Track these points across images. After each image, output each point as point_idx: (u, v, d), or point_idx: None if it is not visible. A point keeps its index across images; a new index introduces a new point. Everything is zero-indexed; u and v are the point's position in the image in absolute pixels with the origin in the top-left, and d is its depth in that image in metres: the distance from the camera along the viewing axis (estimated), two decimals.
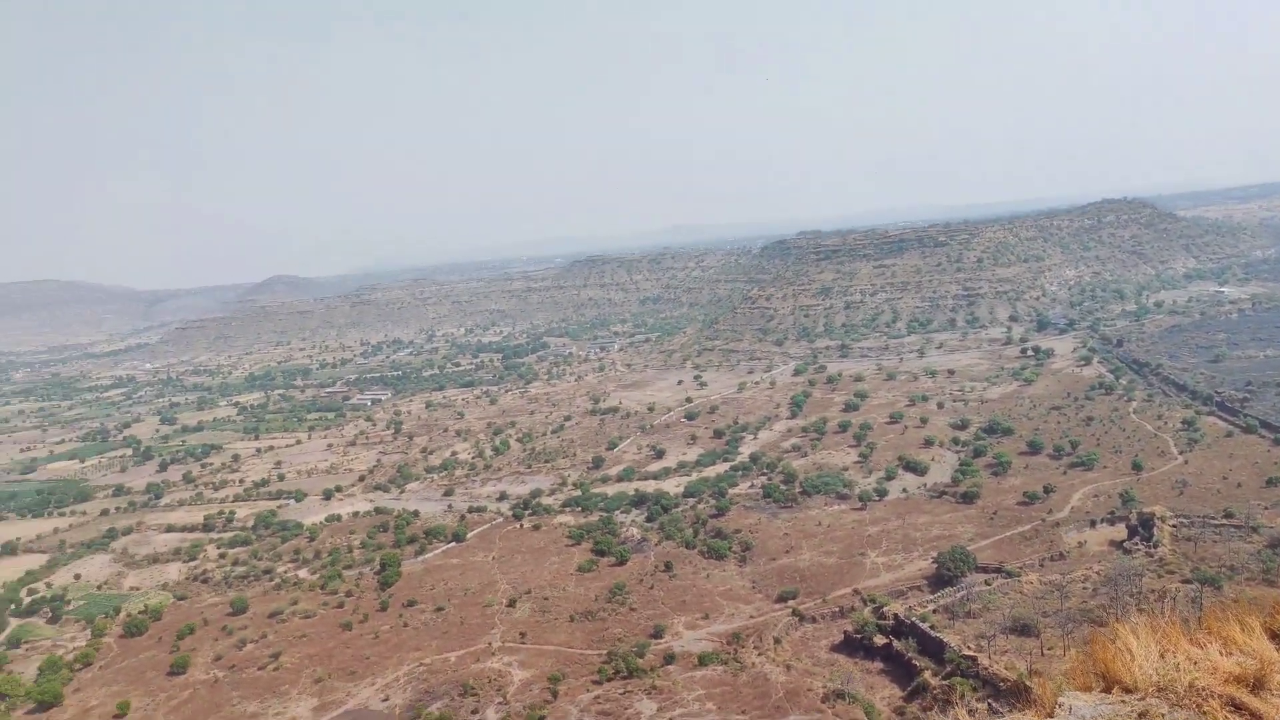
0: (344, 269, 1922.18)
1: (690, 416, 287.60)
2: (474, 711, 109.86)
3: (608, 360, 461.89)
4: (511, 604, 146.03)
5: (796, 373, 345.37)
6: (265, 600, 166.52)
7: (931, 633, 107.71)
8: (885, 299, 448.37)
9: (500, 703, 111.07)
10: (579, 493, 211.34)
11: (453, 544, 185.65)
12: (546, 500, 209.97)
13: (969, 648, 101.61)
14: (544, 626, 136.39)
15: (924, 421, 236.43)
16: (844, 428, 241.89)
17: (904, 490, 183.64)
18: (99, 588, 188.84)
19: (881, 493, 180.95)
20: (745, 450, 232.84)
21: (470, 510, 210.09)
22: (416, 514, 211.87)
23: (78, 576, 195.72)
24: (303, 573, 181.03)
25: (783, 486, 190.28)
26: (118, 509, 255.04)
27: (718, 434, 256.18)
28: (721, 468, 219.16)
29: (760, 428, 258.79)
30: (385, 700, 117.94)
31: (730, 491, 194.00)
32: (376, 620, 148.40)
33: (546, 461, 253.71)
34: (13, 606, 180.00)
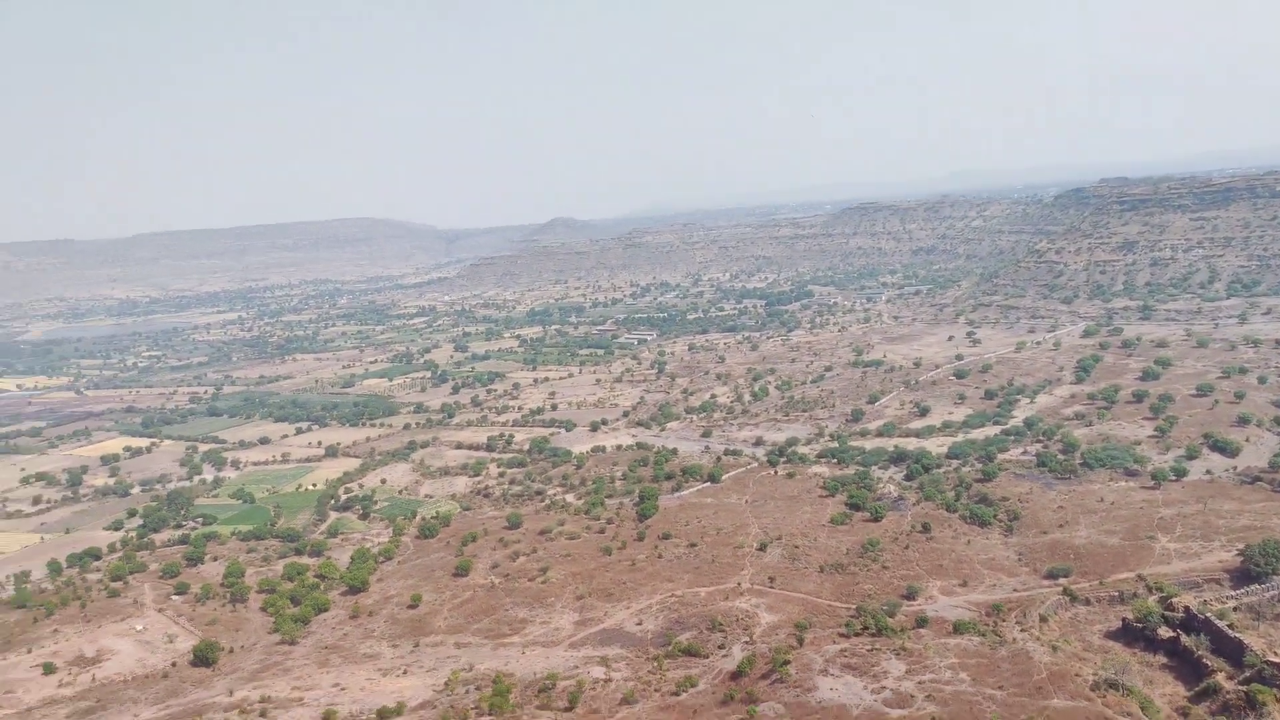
0: (620, 211, 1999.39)
1: (960, 375, 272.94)
2: (720, 646, 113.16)
3: (874, 311, 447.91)
4: (762, 548, 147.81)
5: (1086, 334, 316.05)
6: (536, 519, 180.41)
7: (1230, 631, 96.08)
8: (1201, 256, 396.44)
9: (746, 641, 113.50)
10: (836, 444, 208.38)
11: (708, 484, 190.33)
12: (802, 449, 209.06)
13: (1275, 654, 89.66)
14: (793, 574, 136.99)
15: (1239, 397, 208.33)
16: (1139, 398, 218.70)
17: (1208, 472, 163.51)
18: (400, 492, 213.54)
19: (1180, 472, 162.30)
20: (1019, 414, 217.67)
21: (726, 453, 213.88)
22: (675, 452, 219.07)
23: (384, 481, 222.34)
24: (569, 497, 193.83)
25: (1060, 456, 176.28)
26: (417, 424, 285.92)
27: (989, 395, 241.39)
28: (991, 430, 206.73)
29: (1039, 391, 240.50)
30: (639, 624, 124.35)
31: (999, 456, 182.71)
32: (633, 549, 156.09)
33: (804, 410, 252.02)
34: (333, 501, 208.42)
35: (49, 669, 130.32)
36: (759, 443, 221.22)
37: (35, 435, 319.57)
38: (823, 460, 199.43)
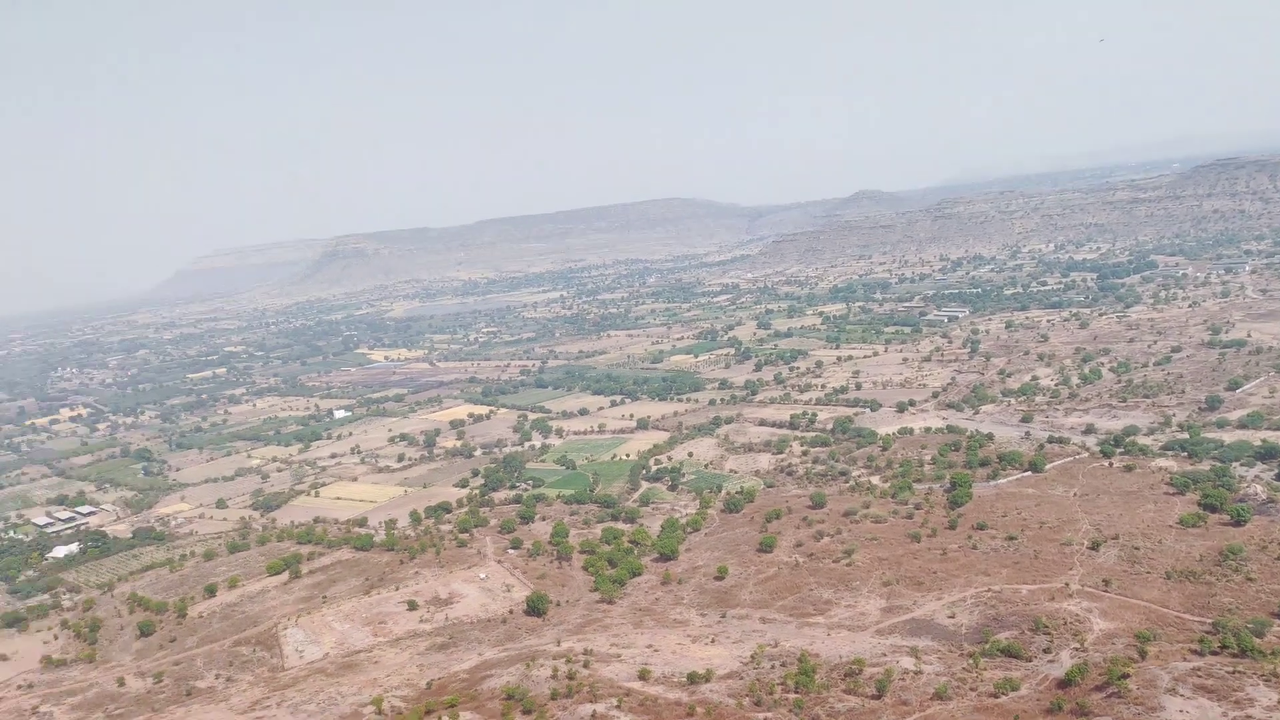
0: (929, 181, 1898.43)
1: None
2: (1045, 650, 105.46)
3: (1234, 284, 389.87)
4: (1094, 547, 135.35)
5: None
6: (840, 499, 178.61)
7: None
8: None
9: (1076, 648, 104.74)
10: (1186, 435, 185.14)
11: (1028, 473, 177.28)
12: (1143, 439, 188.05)
13: None
14: (1132, 578, 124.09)
15: None
16: None
17: None
18: (706, 466, 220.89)
19: None
20: None
21: (1050, 440, 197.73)
22: (990, 437, 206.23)
23: (690, 454, 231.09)
24: (875, 479, 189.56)
25: None
26: (721, 400, 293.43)
27: None
28: None
29: None
30: (951, 617, 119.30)
31: None
32: (944, 537, 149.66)
33: (1145, 396, 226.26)
34: (644, 472, 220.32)
35: (412, 605, 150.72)
36: (1089, 430, 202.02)
37: (399, 401, 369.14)
38: (1169, 453, 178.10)
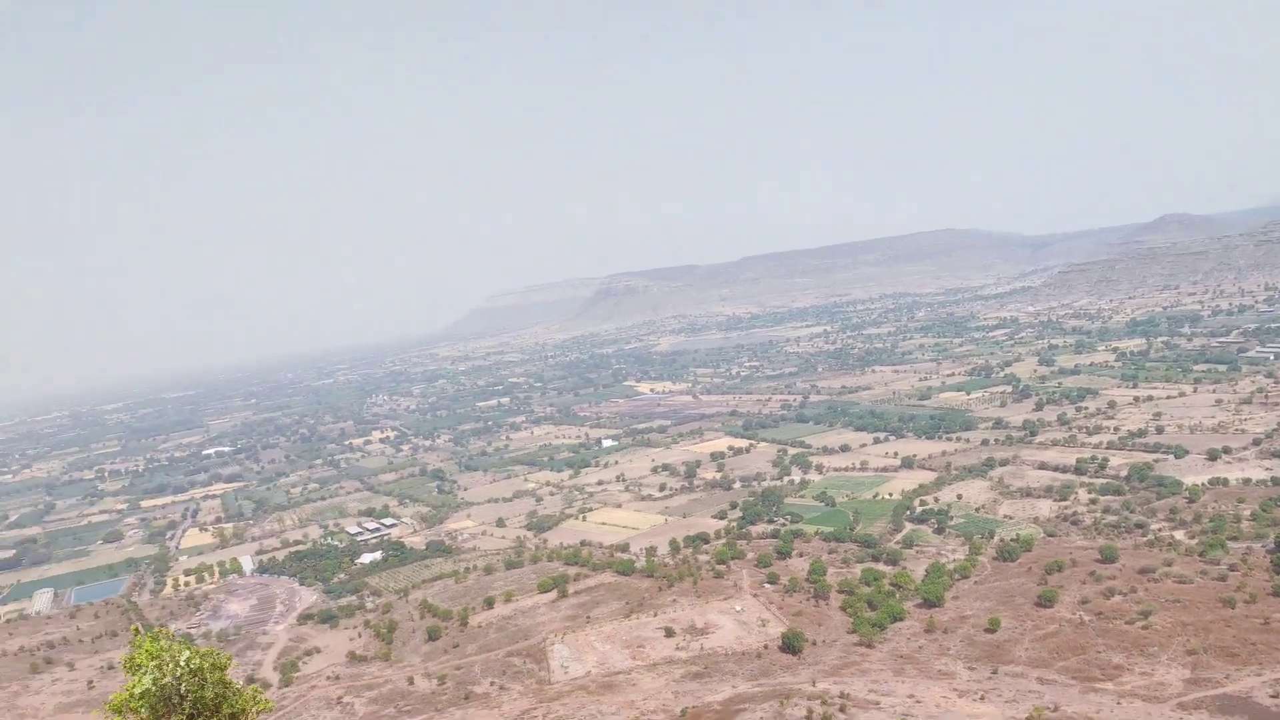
0: (1253, 202, 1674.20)
1: None
2: None
3: None
4: None
5: None
6: (1135, 555, 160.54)
7: None
8: None
9: None
10: None
11: None
12: None
13: None
14: None
15: None
16: None
17: None
18: (976, 510, 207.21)
19: None
20: None
21: None
22: None
23: (959, 496, 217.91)
24: (1178, 534, 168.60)
25: None
26: (995, 440, 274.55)
27: None
28: None
29: None
30: (1274, 697, 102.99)
31: None
32: (1266, 604, 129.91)
33: None
34: (908, 512, 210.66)
35: (669, 632, 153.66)
36: None
37: (662, 432, 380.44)
38: None
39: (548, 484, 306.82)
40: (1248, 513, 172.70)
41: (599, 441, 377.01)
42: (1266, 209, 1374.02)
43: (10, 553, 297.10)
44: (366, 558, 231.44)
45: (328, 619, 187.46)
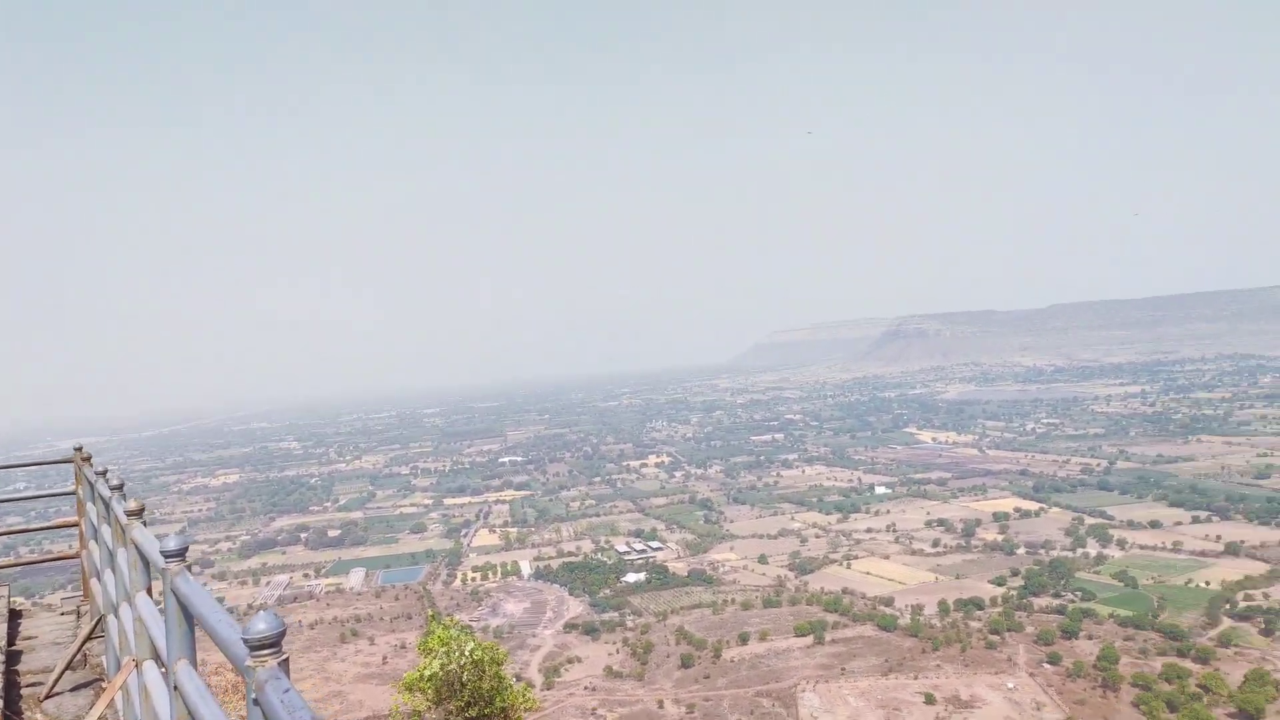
0: None
1: None
2: None
3: None
4: None
5: None
6: None
7: None
8: None
9: None
10: None
11: None
12: None
13: None
14: None
15: None
16: None
17: None
18: None
19: None
20: None
21: None
22: None
23: None
24: None
25: None
26: None
27: None
28: None
29: None
30: None
31: None
32: None
33: None
34: (1227, 606, 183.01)
35: (929, 699, 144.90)
36: None
37: (941, 485, 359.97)
38: None
39: (814, 525, 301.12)
40: None
41: (871, 487, 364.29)
42: None
43: (337, 532, 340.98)
44: (630, 577, 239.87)
45: (590, 631, 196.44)
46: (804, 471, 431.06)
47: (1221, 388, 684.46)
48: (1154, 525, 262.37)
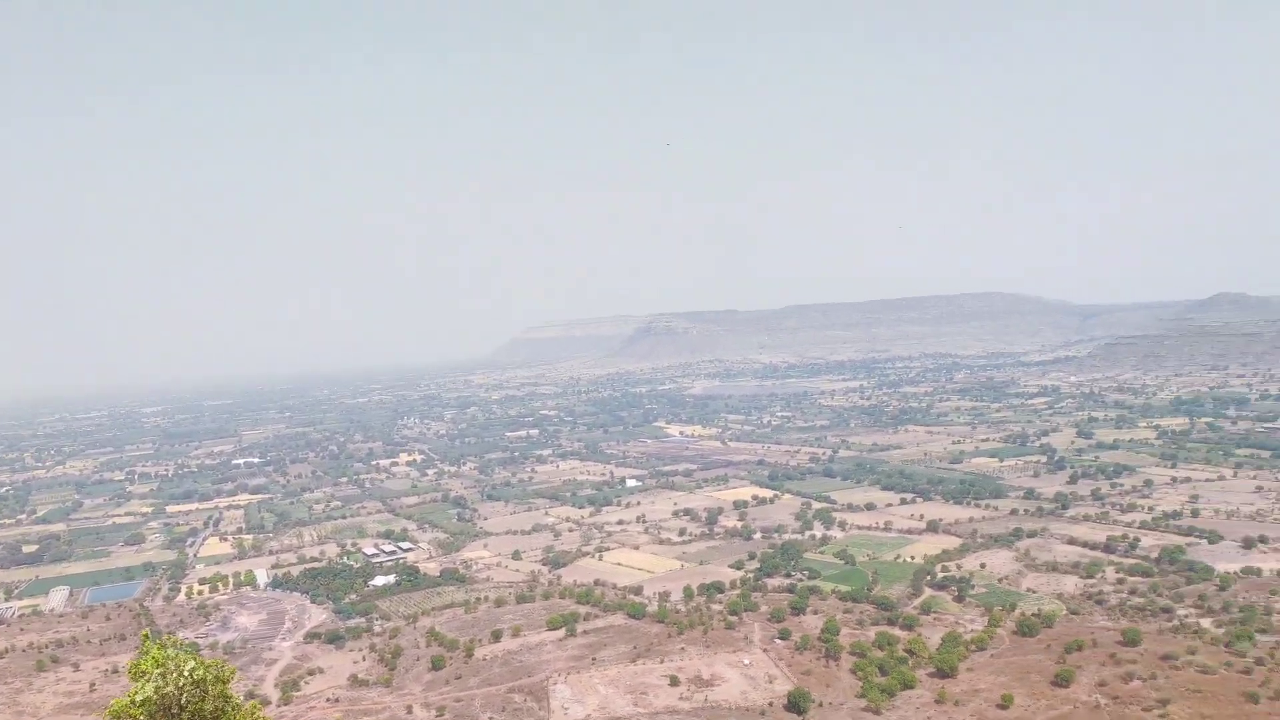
0: None
1: None
2: None
3: None
4: None
5: None
6: (1159, 639, 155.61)
7: None
8: None
9: None
10: None
11: None
12: None
13: None
14: None
15: None
16: None
17: None
18: (999, 581, 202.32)
19: None
20: None
21: None
22: None
23: (983, 565, 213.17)
24: (1205, 622, 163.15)
25: None
26: (1025, 511, 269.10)
27: None
28: None
29: None
30: None
31: None
32: None
33: None
34: (928, 578, 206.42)
35: (674, 681, 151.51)
36: None
37: (687, 476, 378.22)
38: None
39: (568, 520, 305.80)
40: (1279, 605, 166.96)
41: (623, 481, 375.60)
42: None
43: (34, 547, 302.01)
44: (380, 580, 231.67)
45: (334, 639, 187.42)
46: (558, 466, 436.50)
47: (925, 383, 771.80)
48: (869, 507, 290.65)
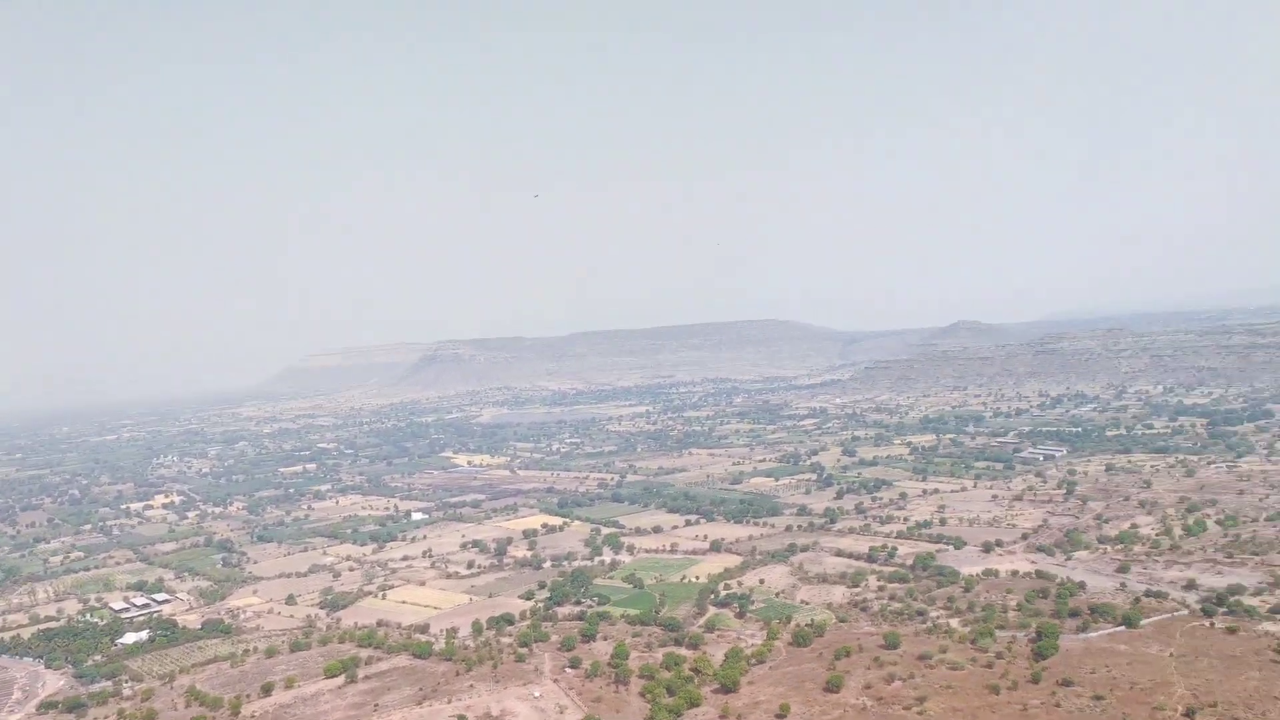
0: (1033, 315, 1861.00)
1: None
2: None
3: None
4: (1189, 715, 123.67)
5: None
6: (916, 641, 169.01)
7: None
8: None
9: None
10: None
11: (1121, 628, 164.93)
12: (1249, 600, 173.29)
13: None
14: None
15: None
16: None
17: None
18: (777, 594, 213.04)
19: None
20: None
21: (1147, 594, 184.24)
22: (1082, 586, 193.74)
23: (761, 581, 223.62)
24: (954, 622, 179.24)
25: None
26: (799, 527, 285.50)
27: None
28: None
29: None
30: None
31: None
32: (1026, 691, 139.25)
33: (1255, 554, 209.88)
34: (712, 596, 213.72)
35: None
36: (1190, 586, 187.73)
37: (476, 506, 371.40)
38: (1278, 616, 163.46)
39: (348, 558, 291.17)
40: (1014, 603, 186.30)
41: (408, 514, 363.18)
42: (1045, 322, 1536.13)
43: None
44: (130, 637, 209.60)
45: (75, 708, 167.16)
46: (338, 502, 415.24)
47: (707, 406, 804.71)
48: (657, 530, 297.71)
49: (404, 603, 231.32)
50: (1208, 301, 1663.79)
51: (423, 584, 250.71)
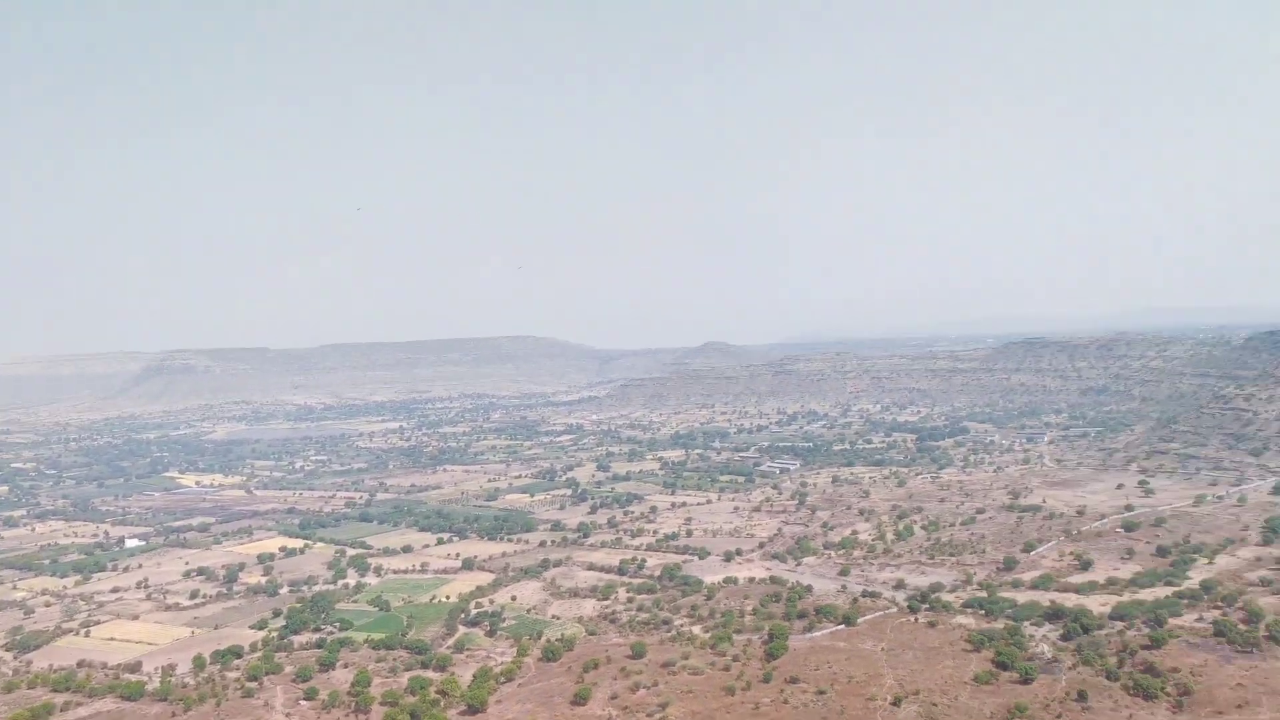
0: (775, 337, 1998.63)
1: (1129, 527, 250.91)
2: None
3: (1034, 453, 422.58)
4: (896, 703, 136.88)
5: (1276, 491, 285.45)
6: (661, 649, 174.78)
7: None
8: None
9: None
10: (984, 594, 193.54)
11: (841, 626, 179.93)
12: (946, 596, 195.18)
13: None
14: None
15: None
16: None
17: None
18: (528, 611, 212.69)
19: None
20: (1195, 576, 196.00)
21: (864, 594, 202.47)
22: (809, 589, 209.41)
23: (514, 598, 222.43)
24: (696, 629, 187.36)
25: (1242, 626, 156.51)
26: (552, 542, 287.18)
27: (1161, 552, 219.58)
28: (1162, 592, 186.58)
29: (1218, 551, 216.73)
30: None
31: (1171, 622, 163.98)
32: (759, 691, 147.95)
33: (951, 555, 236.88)
34: (463, 615, 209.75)
35: None
36: (900, 586, 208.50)
37: (203, 530, 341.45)
38: (969, 610, 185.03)
39: (45, 592, 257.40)
40: (750, 608, 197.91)
41: (121, 541, 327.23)
42: (785, 344, 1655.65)
43: None
44: None
45: None
46: (34, 529, 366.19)
47: (463, 422, 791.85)
48: (407, 550, 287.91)
49: (111, 640, 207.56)
50: (919, 330, 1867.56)
51: (135, 618, 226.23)
